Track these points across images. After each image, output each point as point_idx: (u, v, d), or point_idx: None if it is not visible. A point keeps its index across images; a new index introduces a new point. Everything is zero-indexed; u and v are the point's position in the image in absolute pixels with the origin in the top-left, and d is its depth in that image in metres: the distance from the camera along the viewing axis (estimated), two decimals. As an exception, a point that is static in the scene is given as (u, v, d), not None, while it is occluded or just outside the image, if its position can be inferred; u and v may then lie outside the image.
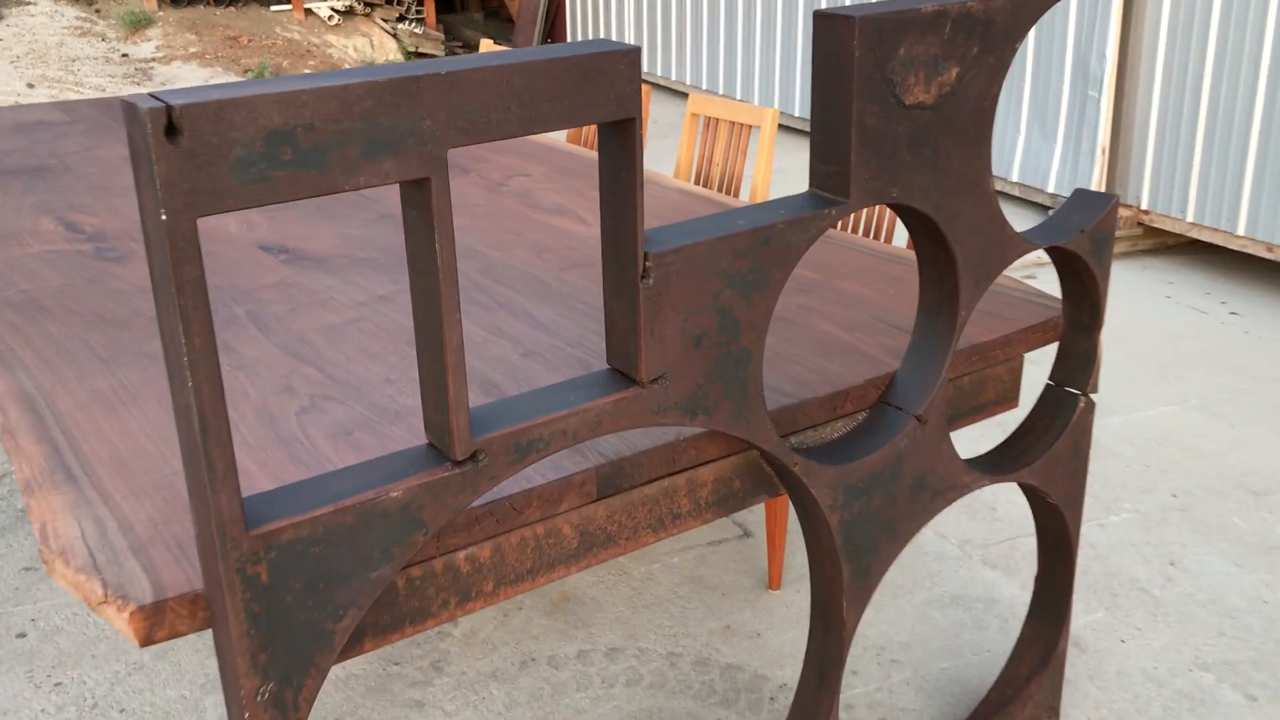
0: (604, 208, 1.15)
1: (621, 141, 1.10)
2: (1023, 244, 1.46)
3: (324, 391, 1.44)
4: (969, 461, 1.56)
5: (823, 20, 1.24)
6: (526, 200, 2.28)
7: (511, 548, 1.23)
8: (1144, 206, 4.20)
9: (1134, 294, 3.90)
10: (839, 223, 2.48)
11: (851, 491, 1.41)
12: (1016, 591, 2.24)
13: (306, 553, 1.02)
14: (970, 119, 1.34)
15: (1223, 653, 2.03)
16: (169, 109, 0.85)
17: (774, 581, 2.24)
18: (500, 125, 1.01)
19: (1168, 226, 4.12)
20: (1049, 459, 1.62)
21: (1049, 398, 1.68)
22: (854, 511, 1.42)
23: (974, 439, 2.86)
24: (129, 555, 1.11)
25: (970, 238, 1.39)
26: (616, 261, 1.16)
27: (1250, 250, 3.82)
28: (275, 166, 0.90)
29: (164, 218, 0.86)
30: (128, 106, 0.87)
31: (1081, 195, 1.58)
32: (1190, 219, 4.02)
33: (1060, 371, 1.67)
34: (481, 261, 1.93)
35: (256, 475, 1.24)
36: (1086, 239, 1.53)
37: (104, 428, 1.36)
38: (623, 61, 1.07)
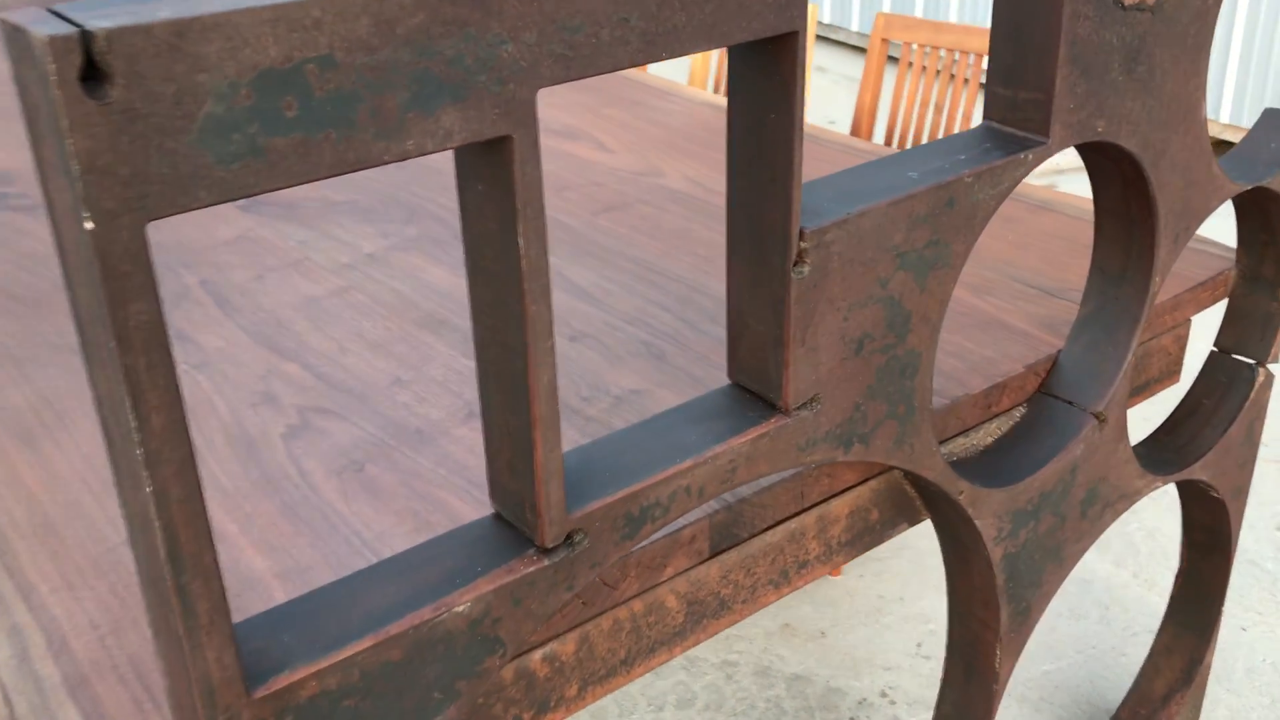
0: (737, 165, 0.79)
1: (775, 68, 0.74)
2: (1228, 185, 1.12)
3: (316, 401, 1.08)
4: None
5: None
6: (528, 121, 1.90)
7: (602, 636, 0.89)
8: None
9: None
10: (892, 135, 2.12)
11: (1020, 517, 1.09)
12: (1111, 570, 1.95)
13: (336, 711, 0.68)
14: (1194, 20, 0.99)
15: (1359, 640, 1.76)
16: (85, 38, 0.48)
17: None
18: (614, 49, 0.65)
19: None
20: (1222, 448, 1.31)
21: (1217, 369, 1.36)
22: (1019, 541, 1.10)
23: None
24: (63, 694, 0.75)
25: (1174, 181, 1.05)
26: (755, 243, 0.80)
27: None
28: (274, 130, 0.53)
29: (89, 227, 0.50)
30: (11, 32, 0.50)
31: (1274, 118, 1.24)
32: (1224, 119, 3.71)
33: (1230, 336, 1.35)
34: (489, 204, 1.56)
35: (238, 542, 0.89)
36: (1292, 174, 1.20)
37: (19, 471, 0.99)
38: (781, -55, 0.70)
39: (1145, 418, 2.33)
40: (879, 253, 0.84)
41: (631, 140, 1.80)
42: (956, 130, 2.11)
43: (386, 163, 0.58)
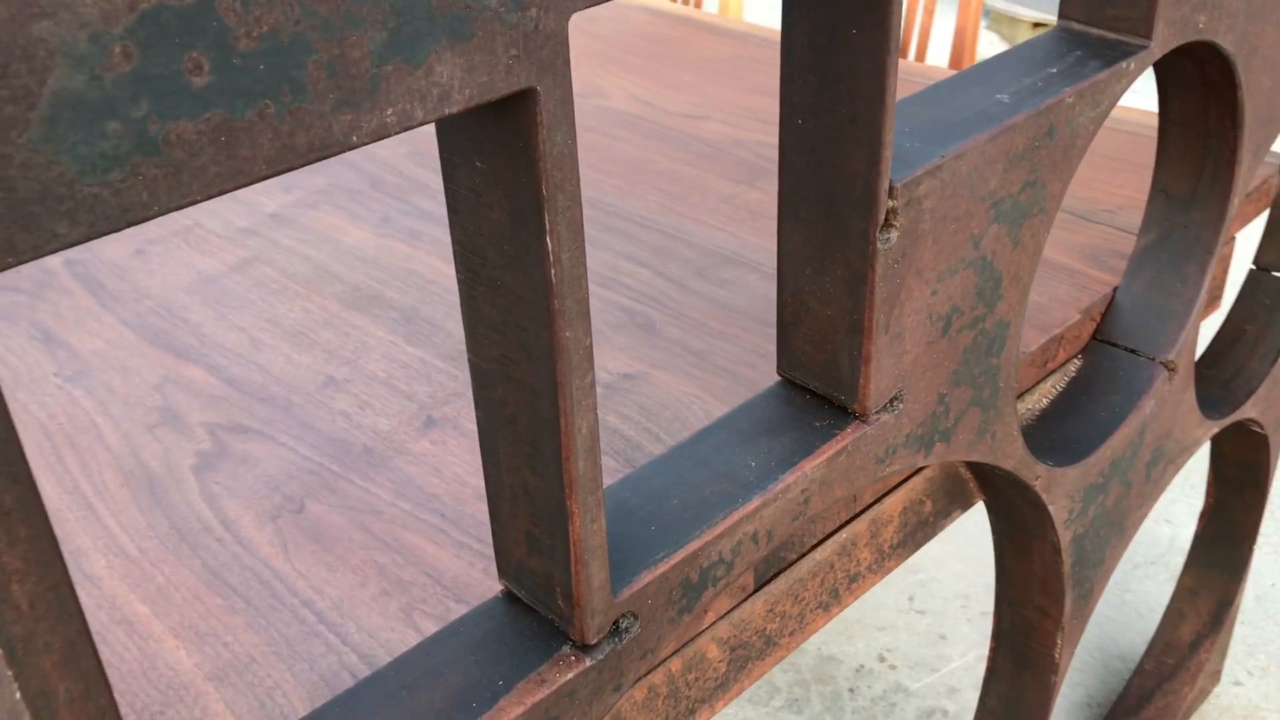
0: (796, 100, 0.59)
1: (862, -35, 0.53)
2: (1308, 84, 0.95)
3: (230, 416, 0.86)
4: (1189, 402, 1.08)
5: None
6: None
7: (635, 711, 0.70)
8: None
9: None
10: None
11: (1090, 493, 0.92)
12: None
13: None
14: (1301, -115, 0.80)
15: (1365, 554, 1.67)
16: None
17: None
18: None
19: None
20: (1272, 380, 1.16)
21: (1258, 290, 1.20)
22: (1088, 519, 0.94)
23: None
24: None
25: (1264, 82, 0.87)
26: (825, 204, 0.60)
27: None
28: (174, 109, 0.32)
29: None
30: None
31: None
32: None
33: (1273, 251, 1.20)
34: (408, 140, 1.32)
35: (152, 629, 0.68)
36: (1363, 65, 1.03)
37: None
38: None
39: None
40: (974, 203, 0.64)
41: (560, 55, 1.56)
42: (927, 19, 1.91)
43: (356, 146, 0.37)
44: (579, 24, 1.67)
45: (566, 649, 0.54)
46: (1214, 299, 1.18)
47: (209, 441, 0.83)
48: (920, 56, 1.84)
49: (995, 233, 0.67)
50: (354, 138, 0.37)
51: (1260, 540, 1.70)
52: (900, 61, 1.56)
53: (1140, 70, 0.73)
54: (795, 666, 1.52)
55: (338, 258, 1.08)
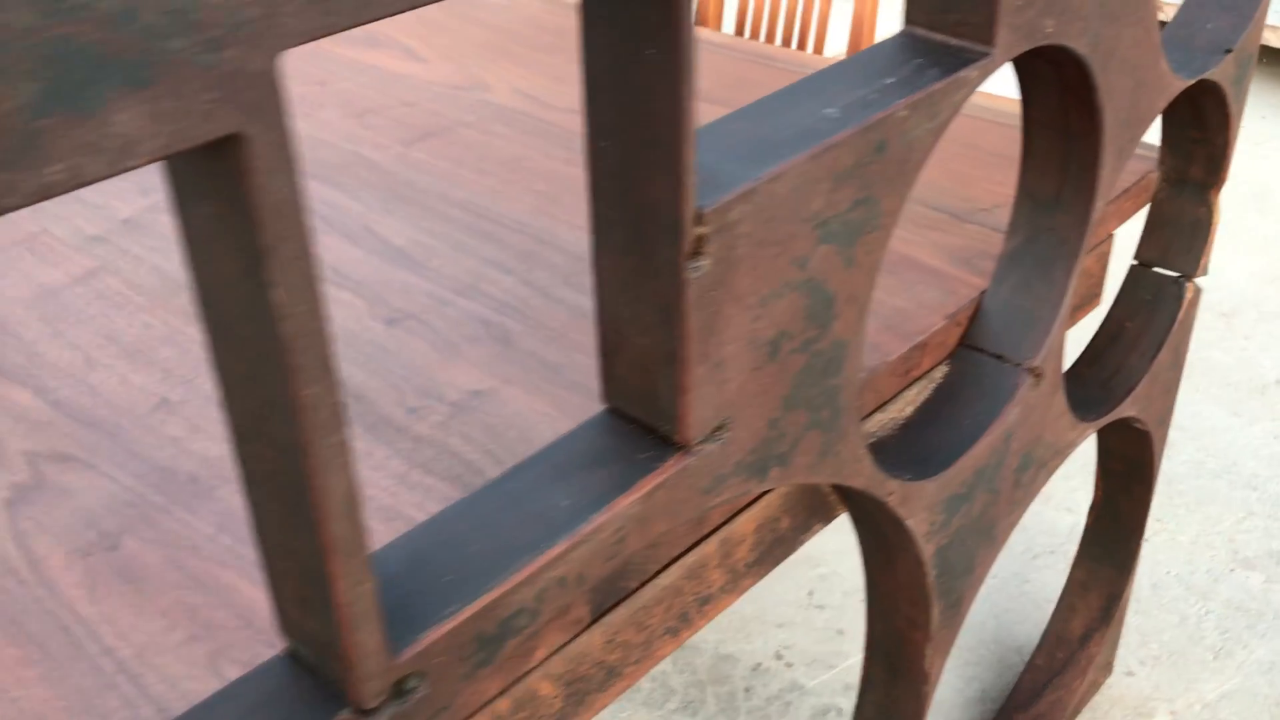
0: (599, 122, 0.56)
1: (648, -17, 0.50)
2: (1175, 82, 0.93)
3: (53, 443, 0.82)
4: (1065, 404, 1.07)
5: None
6: (320, 26, 1.59)
7: (460, 754, 0.67)
8: None
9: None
10: (749, 26, 1.88)
11: (953, 504, 0.90)
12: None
13: None
14: (1151, -116, 0.78)
15: (1260, 539, 1.68)
16: None
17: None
18: (402, -26, 0.40)
19: None
20: (1151, 377, 1.15)
21: (1139, 286, 1.19)
22: (951, 531, 0.92)
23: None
24: None
25: (1123, 83, 0.86)
26: (632, 232, 0.57)
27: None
28: None
29: None
30: None
31: (1205, -9, 1.06)
32: None
33: (1154, 247, 1.18)
34: (277, 137, 1.27)
35: (-61, 681, 0.64)
36: (1231, 63, 1.02)
37: None
38: None
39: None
40: (797, 225, 0.62)
41: (448, 45, 1.52)
42: (822, 12, 1.89)
43: (14, 208, 0.33)
44: (467, 13, 1.63)
45: (346, 714, 0.51)
46: (1093, 296, 1.17)
47: (26, 472, 0.79)
48: (819, 48, 1.82)
49: (824, 253, 0.65)
50: (12, 199, 0.33)
51: (1157, 527, 1.71)
52: (798, 54, 1.53)
53: (983, 77, 0.70)
54: (691, 667, 1.50)
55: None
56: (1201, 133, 1.09)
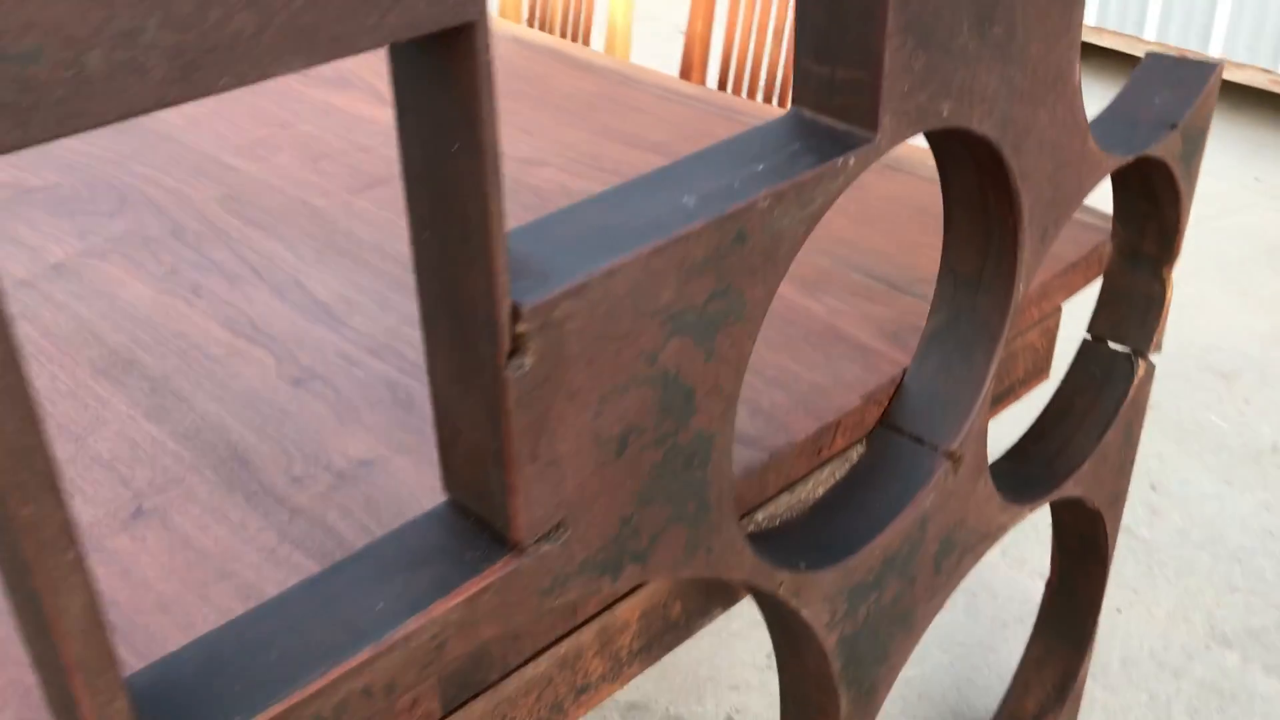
0: (416, 212, 0.54)
1: (449, 79, 0.48)
2: (1106, 160, 0.90)
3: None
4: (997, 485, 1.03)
5: None
6: (295, 65, 1.59)
7: None
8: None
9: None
10: (698, 67, 1.86)
11: (859, 592, 0.87)
12: (995, 557, 1.77)
13: None
14: (1063, -37, 0.75)
15: (1240, 616, 1.62)
16: None
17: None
18: (112, 85, 0.38)
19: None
20: (1098, 457, 1.11)
21: (1090, 360, 1.15)
22: (859, 620, 0.89)
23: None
24: None
25: (1042, 165, 0.83)
26: (453, 324, 0.55)
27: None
28: None
29: None
30: None
31: (1158, 63, 1.02)
32: (1092, 22, 3.52)
33: (1106, 321, 1.15)
34: (224, 181, 1.26)
35: None
36: (1178, 138, 0.98)
37: None
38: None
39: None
40: (642, 320, 0.59)
41: (414, 87, 1.51)
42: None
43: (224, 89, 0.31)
44: (441, 54, 1.61)
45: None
46: (1039, 371, 1.13)
47: (-105, 531, 0.78)
48: (700, 76, 1.81)
49: (677, 347, 0.62)
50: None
51: (1132, 598, 1.66)
52: (765, 107, 1.51)
53: (864, 165, 0.68)
54: (639, 728, 1.47)
55: (108, 315, 1.02)
56: (1152, 206, 1.06)
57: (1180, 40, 3.27)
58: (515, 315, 0.53)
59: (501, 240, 0.51)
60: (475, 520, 0.61)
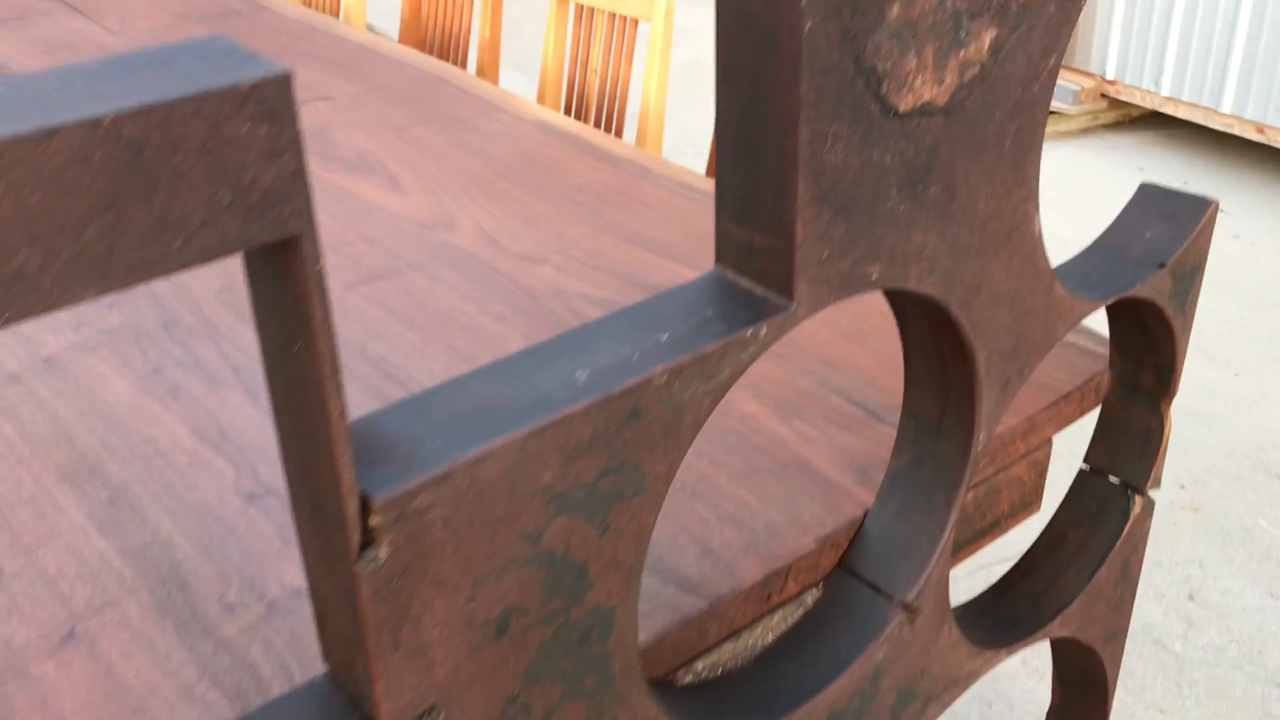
0: (275, 397, 0.53)
1: (283, 286, 0.47)
2: (1078, 305, 0.86)
3: (-125, 612, 0.82)
4: (967, 630, 0.99)
5: (736, -50, 0.60)
6: (318, 144, 1.61)
7: None
8: (1110, 76, 3.60)
9: (1101, 180, 3.34)
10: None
11: (799, 751, 0.84)
12: (1014, 666, 1.71)
13: None
14: (1012, 117, 0.72)
15: (1273, 745, 1.54)
16: None
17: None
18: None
19: (1136, 100, 3.53)
20: (1089, 595, 1.06)
21: (1086, 493, 1.11)
22: (803, 775, 0.86)
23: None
24: None
25: (999, 317, 0.79)
26: (313, 511, 0.54)
27: (1236, 131, 3.26)
28: None
29: None
30: None
31: (1151, 195, 0.98)
32: (1165, 92, 3.44)
33: (1103, 453, 1.10)
34: (226, 270, 1.28)
35: None
36: (1167, 277, 0.94)
37: None
38: (254, 103, 0.43)
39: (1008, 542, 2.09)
40: (519, 501, 0.58)
41: (435, 175, 1.52)
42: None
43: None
44: (464, 139, 1.62)
45: None
46: (1028, 504, 1.09)
47: None
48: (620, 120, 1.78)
49: (565, 525, 0.60)
50: None
51: (1158, 716, 1.58)
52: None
53: (779, 334, 0.65)
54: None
55: (85, 416, 1.03)
56: (1148, 341, 1.01)
57: (1259, 114, 3.18)
58: (366, 508, 0.52)
59: (343, 437, 0.50)
60: (347, 698, 0.60)
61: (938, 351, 0.81)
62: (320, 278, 0.46)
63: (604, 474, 0.61)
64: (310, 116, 1.71)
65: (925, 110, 0.66)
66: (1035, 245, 0.79)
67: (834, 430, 1.00)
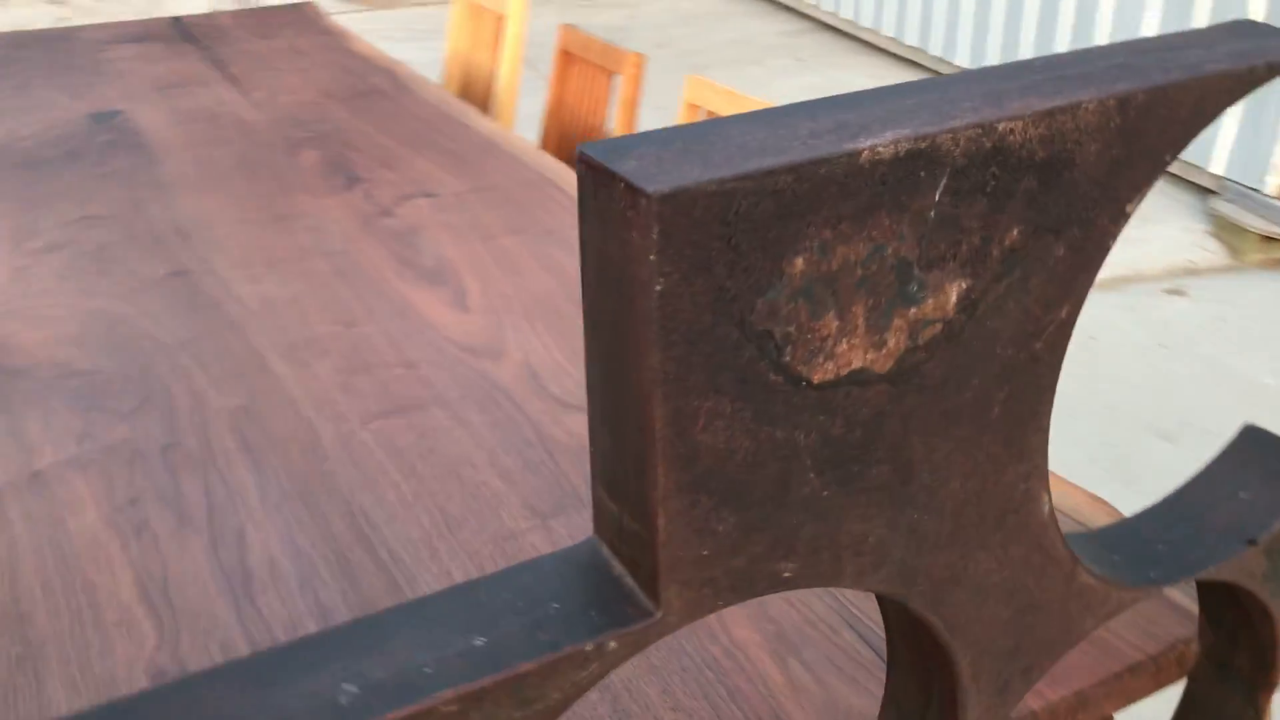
0: None
1: None
2: (1118, 594, 0.68)
3: None
4: None
5: (591, 172, 0.47)
6: (402, 247, 1.54)
7: None
8: (1339, 206, 3.23)
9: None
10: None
11: None
12: None
13: None
14: (1003, 381, 0.56)
15: None
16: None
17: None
18: None
19: (1368, 234, 3.15)
20: None
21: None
22: None
23: None
24: None
25: (993, 612, 0.62)
26: None
27: None
28: None
29: None
30: None
31: (1256, 441, 0.78)
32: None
33: (1185, 738, 0.89)
34: (251, 388, 1.20)
35: None
36: (1260, 557, 0.74)
37: None
38: None
39: None
40: None
41: (505, 292, 1.42)
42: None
43: None
44: (549, 251, 1.52)
45: None
46: (1078, 792, 0.89)
47: None
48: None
49: None
50: None
51: None
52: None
53: (635, 648, 0.51)
54: None
55: (41, 549, 0.97)
56: (1243, 620, 0.81)
57: None
58: None
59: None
60: None
61: (915, 640, 0.65)
62: None
63: (366, 818, 0.48)
64: (408, 214, 1.65)
65: (856, 379, 0.51)
66: (1043, 529, 0.62)
67: (833, 679, 0.83)
